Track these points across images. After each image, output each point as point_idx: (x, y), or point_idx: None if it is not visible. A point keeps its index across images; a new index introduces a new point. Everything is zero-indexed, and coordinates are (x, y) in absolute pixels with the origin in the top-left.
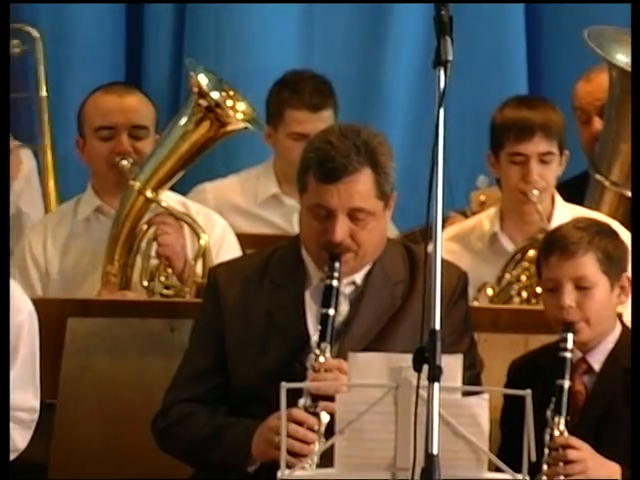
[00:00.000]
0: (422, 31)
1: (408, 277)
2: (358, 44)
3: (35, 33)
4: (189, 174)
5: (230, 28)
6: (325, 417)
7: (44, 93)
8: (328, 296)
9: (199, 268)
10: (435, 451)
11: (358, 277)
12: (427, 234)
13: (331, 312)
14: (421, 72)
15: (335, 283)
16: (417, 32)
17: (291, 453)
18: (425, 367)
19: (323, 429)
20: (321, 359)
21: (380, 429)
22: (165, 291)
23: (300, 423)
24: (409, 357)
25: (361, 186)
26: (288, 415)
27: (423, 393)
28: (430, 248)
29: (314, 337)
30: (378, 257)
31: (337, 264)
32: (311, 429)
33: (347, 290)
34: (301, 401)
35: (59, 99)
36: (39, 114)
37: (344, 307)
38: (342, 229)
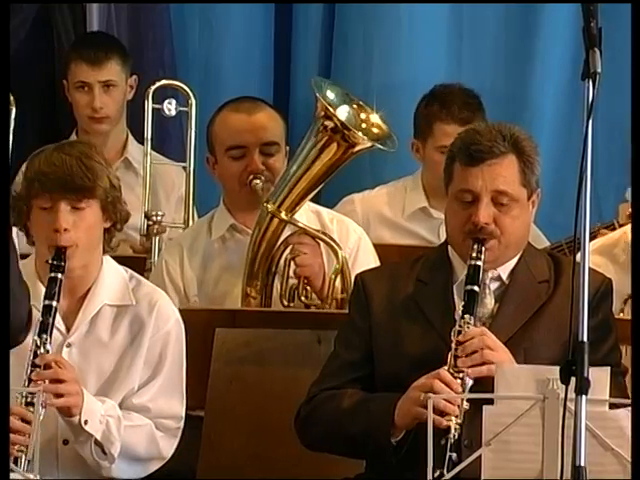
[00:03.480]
0: (570, 44)
1: (552, 278)
2: (505, 58)
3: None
4: (337, 185)
5: (378, 42)
6: (469, 382)
7: (194, 112)
8: (472, 274)
9: (338, 284)
10: (582, 463)
11: (503, 274)
12: (574, 246)
13: (475, 288)
14: (569, 85)
15: (479, 263)
16: (565, 45)
17: (436, 412)
18: (573, 379)
19: (467, 392)
20: (461, 337)
21: (527, 441)
22: (306, 310)
23: (446, 384)
24: (556, 369)
25: (505, 170)
26: (435, 375)
27: (570, 405)
28: (577, 257)
29: (458, 311)
30: (522, 255)
31: (482, 247)
32: (454, 391)
33: (493, 286)
34: (445, 367)
35: (207, 112)
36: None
37: (490, 301)
38: (486, 212)
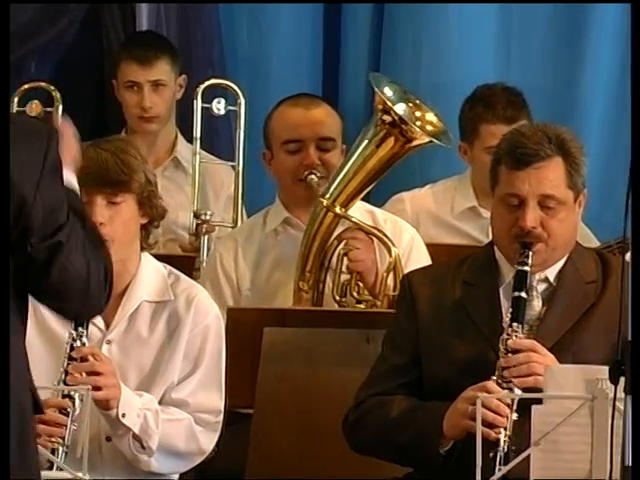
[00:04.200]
0: (619, 43)
1: (600, 278)
2: (554, 58)
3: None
4: (386, 184)
5: (427, 42)
6: (517, 392)
7: (242, 111)
8: (520, 280)
9: (390, 281)
10: (631, 463)
11: (551, 275)
12: (623, 246)
13: (523, 295)
14: (617, 84)
15: (527, 268)
16: (613, 45)
17: (485, 424)
18: (622, 379)
19: (515, 405)
20: (510, 342)
21: (576, 441)
22: (357, 306)
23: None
24: (605, 369)
25: (552, 173)
26: (482, 387)
27: (620, 405)
28: (627, 257)
29: (506, 319)
30: (570, 256)
31: (529, 251)
32: (502, 402)
33: (540, 287)
34: (493, 378)
35: (256, 111)
36: (236, 131)
37: (537, 303)
38: (533, 216)
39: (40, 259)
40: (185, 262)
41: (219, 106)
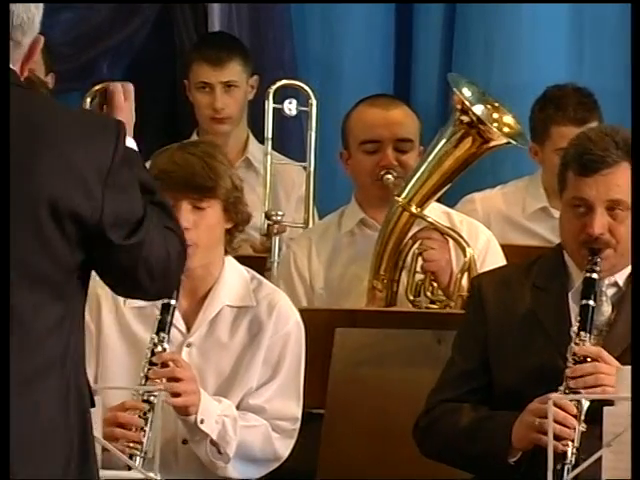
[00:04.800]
0: None
1: None
2: (626, 59)
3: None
4: (458, 185)
5: (499, 42)
6: (585, 403)
7: (314, 112)
8: (588, 288)
9: (465, 282)
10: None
11: (620, 279)
12: None
13: (591, 303)
14: None
15: (595, 276)
16: None
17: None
18: None
19: (583, 415)
20: (578, 350)
21: None
22: (431, 306)
23: (560, 407)
24: None
25: (619, 179)
26: (547, 399)
27: None
28: None
29: (574, 327)
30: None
31: (597, 258)
32: (570, 414)
33: (610, 292)
34: (560, 388)
35: (328, 112)
36: (307, 132)
37: (607, 308)
38: (600, 222)
39: (123, 259)
40: (256, 262)
41: (290, 107)
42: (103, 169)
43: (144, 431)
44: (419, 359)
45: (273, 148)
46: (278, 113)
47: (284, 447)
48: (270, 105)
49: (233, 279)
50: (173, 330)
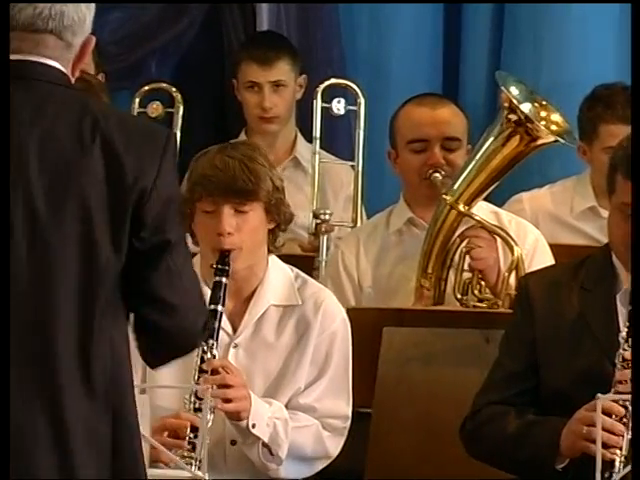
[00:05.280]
0: None
1: None
2: None
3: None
4: (505, 184)
5: (548, 42)
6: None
7: (362, 111)
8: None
9: (512, 280)
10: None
11: None
12: None
13: None
14: None
15: None
16: None
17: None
18: None
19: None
20: (627, 355)
21: None
22: (479, 304)
23: (609, 414)
24: None
25: None
26: (594, 406)
27: None
28: None
29: (622, 332)
30: None
31: None
32: (619, 420)
33: None
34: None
35: (376, 110)
36: (355, 131)
37: None
38: None
39: (148, 254)
40: (304, 262)
41: (339, 106)
42: (150, 176)
43: (196, 439)
44: (467, 358)
45: (321, 147)
46: (326, 112)
47: (335, 445)
48: (318, 104)
49: (278, 278)
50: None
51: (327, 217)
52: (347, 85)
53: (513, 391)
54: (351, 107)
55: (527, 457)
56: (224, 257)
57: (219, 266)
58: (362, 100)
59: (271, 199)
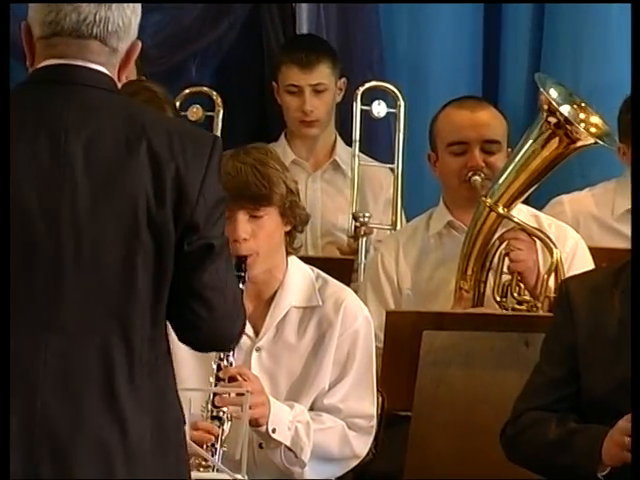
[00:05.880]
0: None
1: None
2: None
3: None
4: (546, 187)
5: (588, 42)
6: None
7: (402, 113)
8: None
9: (552, 283)
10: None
11: None
12: None
13: None
14: None
15: None
16: None
17: None
18: None
19: None
20: None
21: None
22: (518, 306)
23: None
24: None
25: None
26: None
27: None
28: None
29: None
30: None
31: None
32: None
33: None
34: None
35: (416, 113)
36: (395, 134)
37: None
38: None
39: (195, 257)
40: (344, 264)
41: (379, 108)
42: (197, 180)
43: (215, 448)
44: (506, 361)
45: (361, 150)
46: (366, 115)
47: (362, 445)
48: (358, 107)
49: (298, 280)
50: None
51: (366, 220)
52: (387, 88)
53: (554, 397)
54: (391, 110)
55: (568, 464)
56: (240, 263)
57: (236, 272)
58: (402, 102)
59: (285, 202)
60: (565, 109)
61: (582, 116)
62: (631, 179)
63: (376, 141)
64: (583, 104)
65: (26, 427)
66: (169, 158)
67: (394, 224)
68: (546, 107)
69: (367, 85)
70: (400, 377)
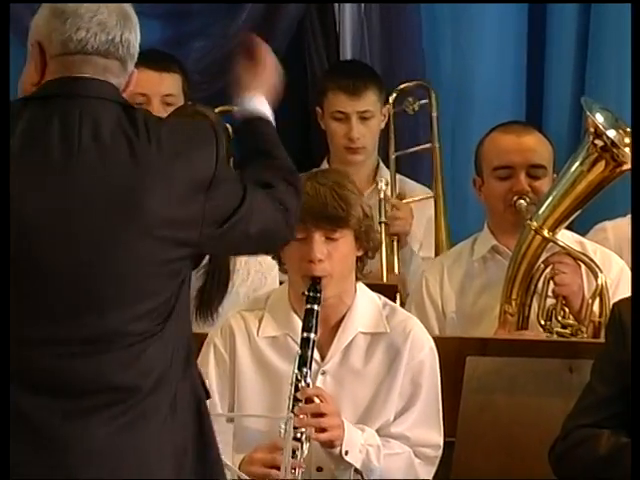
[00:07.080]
0: None
1: None
2: None
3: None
4: (589, 212)
5: None
6: None
7: (437, 144)
8: None
9: (596, 307)
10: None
11: None
12: None
13: None
14: None
15: None
16: None
17: None
18: None
19: None
20: None
21: None
22: (562, 330)
23: None
24: None
25: None
26: None
27: None
28: None
29: None
30: None
31: None
32: None
33: None
34: None
35: (459, 139)
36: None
37: None
38: None
39: (233, 233)
40: (387, 289)
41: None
42: (205, 181)
43: (294, 469)
44: (550, 387)
45: (404, 174)
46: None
47: (426, 473)
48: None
49: (365, 306)
50: None
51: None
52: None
53: (604, 415)
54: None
55: (619, 479)
56: (315, 284)
57: (311, 294)
58: (433, 94)
59: (361, 226)
60: (611, 133)
61: (627, 140)
62: (631, 179)
63: (420, 167)
64: (628, 129)
65: None
66: (177, 156)
67: (436, 249)
68: (592, 130)
69: (402, 86)
70: (444, 402)
